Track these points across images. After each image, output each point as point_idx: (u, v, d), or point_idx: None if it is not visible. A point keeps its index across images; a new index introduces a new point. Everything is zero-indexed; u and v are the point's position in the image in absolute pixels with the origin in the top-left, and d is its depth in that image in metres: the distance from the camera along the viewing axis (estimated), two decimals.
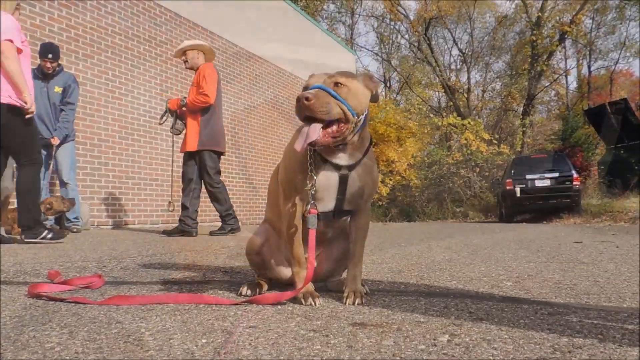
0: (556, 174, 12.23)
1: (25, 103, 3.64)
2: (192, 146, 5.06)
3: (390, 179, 22.70)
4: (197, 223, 5.17)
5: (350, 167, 1.42)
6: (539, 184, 12.33)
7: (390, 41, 28.48)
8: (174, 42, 8.30)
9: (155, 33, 7.95)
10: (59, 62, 5.45)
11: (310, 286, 1.44)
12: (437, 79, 25.19)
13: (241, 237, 4.81)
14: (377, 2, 26.35)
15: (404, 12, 24.39)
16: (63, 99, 5.39)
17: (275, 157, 11.01)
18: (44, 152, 5.15)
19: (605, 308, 1.35)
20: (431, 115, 23.74)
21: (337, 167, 1.41)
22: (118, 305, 1.38)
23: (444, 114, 24.55)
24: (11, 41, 3.53)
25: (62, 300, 1.45)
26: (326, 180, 1.41)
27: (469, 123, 20.97)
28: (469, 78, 26.15)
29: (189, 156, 5.15)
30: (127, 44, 7.39)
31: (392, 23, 25.94)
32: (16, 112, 3.63)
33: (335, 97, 1.32)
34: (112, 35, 7.15)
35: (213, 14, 9.32)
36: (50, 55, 5.28)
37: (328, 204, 1.44)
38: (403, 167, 22.53)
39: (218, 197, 5.18)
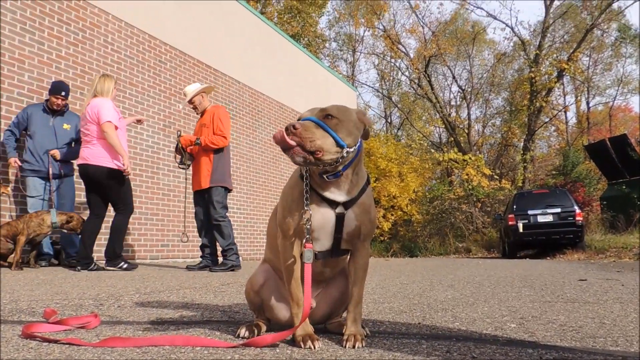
0: (558, 209, 12.19)
1: (123, 165, 4.93)
2: (205, 184, 5.24)
3: (392, 214, 22.64)
4: (238, 255, 5.35)
5: (347, 205, 1.41)
6: (541, 219, 12.27)
7: (391, 78, 28.94)
8: (177, 79, 8.44)
9: (160, 70, 8.09)
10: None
11: (309, 328, 1.41)
12: (438, 114, 25.44)
13: (239, 275, 4.76)
14: (378, 41, 26.92)
15: (404, 50, 24.89)
16: (75, 137, 5.64)
17: (276, 192, 11.01)
18: (42, 184, 5.28)
19: (613, 353, 1.31)
20: (432, 150, 23.86)
21: (333, 205, 1.40)
22: (113, 347, 1.35)
23: (445, 149, 24.68)
24: (110, 122, 4.83)
25: (56, 341, 1.42)
26: (322, 219, 1.40)
27: (469, 158, 21.06)
28: (469, 114, 26.43)
29: (199, 194, 5.27)
30: (132, 81, 7.51)
31: (393, 60, 26.42)
32: (117, 173, 4.94)
33: (323, 128, 1.32)
34: (118, 72, 7.27)
35: (216, 51, 9.50)
36: (63, 93, 5.54)
37: (325, 243, 1.43)
38: (404, 202, 22.50)
39: (222, 231, 5.24)
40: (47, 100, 5.58)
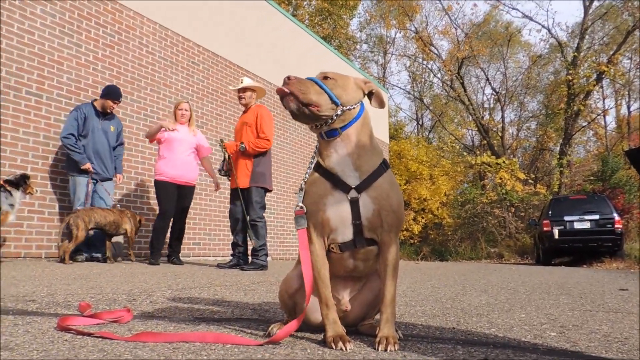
0: (597, 216, 11.78)
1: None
2: (244, 183, 5.31)
3: (422, 217, 22.37)
4: (267, 255, 5.43)
5: (360, 188, 1.38)
6: (578, 226, 11.89)
7: (423, 80, 28.64)
8: (210, 80, 8.54)
9: (193, 71, 8.21)
10: None
11: (340, 329, 1.38)
12: (471, 117, 25.02)
13: (269, 274, 4.76)
14: (410, 42, 26.69)
15: (436, 52, 24.59)
16: (118, 139, 5.96)
17: None
18: (86, 184, 5.46)
19: None
20: (464, 153, 23.46)
21: (344, 188, 1.37)
22: (145, 342, 1.35)
23: (478, 152, 24.24)
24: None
25: (89, 334, 1.43)
26: (336, 206, 1.37)
27: (503, 162, 20.61)
28: (503, 117, 25.88)
29: (237, 192, 5.30)
30: (165, 82, 7.64)
31: (425, 62, 26.15)
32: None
33: (319, 85, 1.39)
34: (152, 73, 7.41)
35: (248, 53, 9.58)
36: (120, 99, 5.89)
37: (345, 232, 1.39)
38: (435, 206, 22.20)
39: (258, 232, 5.28)
40: (93, 100, 5.81)
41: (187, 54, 8.14)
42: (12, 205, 4.29)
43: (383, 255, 1.42)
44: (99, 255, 5.63)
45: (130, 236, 5.68)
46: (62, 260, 4.96)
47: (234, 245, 5.45)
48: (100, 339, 1.38)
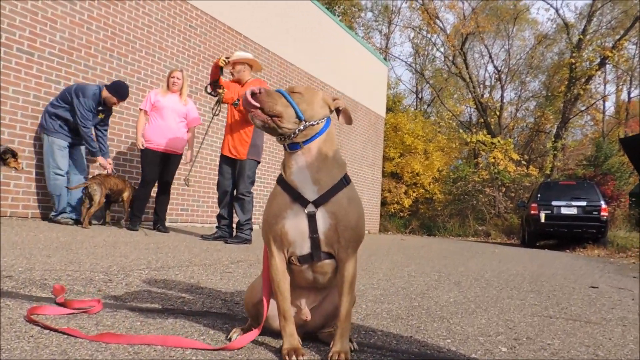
0: (584, 203, 11.94)
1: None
2: (242, 155, 5.24)
3: (414, 191, 22.54)
4: (252, 230, 5.47)
5: (317, 203, 1.42)
6: (565, 211, 12.06)
7: (426, 53, 28.27)
8: (207, 45, 8.42)
9: (190, 35, 8.08)
10: None
11: (296, 342, 1.43)
12: (470, 94, 24.85)
13: (251, 250, 4.84)
14: (415, 13, 26.20)
15: (441, 26, 24.18)
16: (103, 122, 5.84)
17: None
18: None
19: None
20: (460, 130, 23.44)
21: (303, 202, 1.42)
22: (107, 343, 1.40)
23: (474, 130, 24.20)
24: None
25: (55, 330, 1.48)
26: (294, 220, 1.42)
27: (498, 142, 20.64)
28: (502, 96, 25.73)
29: (228, 163, 5.28)
30: (161, 45, 7.53)
31: (429, 35, 25.75)
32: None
33: (286, 98, 1.42)
34: (148, 35, 7.29)
35: (247, 18, 9.41)
36: (126, 100, 5.94)
37: (303, 245, 1.44)
38: (427, 181, 22.34)
39: (244, 206, 5.32)
40: (102, 87, 5.69)
41: (185, 17, 7.99)
42: None
43: (340, 271, 1.47)
44: (78, 218, 5.67)
45: (126, 203, 5.83)
46: (80, 223, 5.35)
47: (220, 217, 5.50)
48: (64, 337, 1.43)
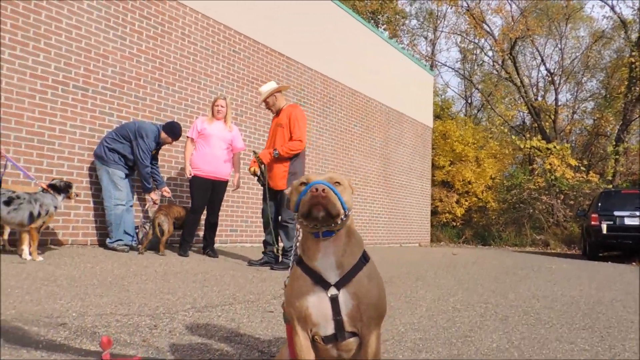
0: None
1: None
2: (282, 185, 5.40)
3: (466, 200, 22.02)
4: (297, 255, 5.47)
5: (339, 285, 1.43)
6: (628, 222, 11.38)
7: (473, 57, 27.65)
8: (251, 68, 8.61)
9: (234, 60, 8.29)
10: None
11: None
12: (522, 99, 24.04)
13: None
14: (461, 18, 25.71)
15: (488, 30, 23.58)
16: (154, 158, 6.14)
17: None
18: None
19: None
20: (513, 136, 22.70)
21: (325, 285, 1.42)
22: None
23: (528, 135, 23.37)
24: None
25: None
26: (317, 304, 1.43)
27: (554, 147, 19.81)
28: (556, 99, 24.69)
29: (271, 193, 5.42)
30: (206, 72, 7.77)
31: (476, 39, 25.17)
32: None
33: (335, 194, 1.42)
34: (193, 63, 7.55)
35: (289, 39, 9.55)
36: (178, 139, 6.26)
37: (327, 327, 1.45)
38: (480, 189, 21.78)
39: (289, 233, 5.41)
40: (160, 128, 6.02)
41: (228, 42, 8.21)
42: (55, 208, 4.55)
43: (363, 347, 1.48)
44: (134, 243, 5.92)
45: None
46: (135, 250, 5.78)
47: (265, 243, 5.60)
48: None
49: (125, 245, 5.77)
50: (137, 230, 6.12)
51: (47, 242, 5.62)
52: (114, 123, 6.35)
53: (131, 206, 6.00)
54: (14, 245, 4.89)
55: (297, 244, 1.53)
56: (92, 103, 6.19)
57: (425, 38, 28.40)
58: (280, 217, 5.44)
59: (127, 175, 5.90)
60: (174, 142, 6.37)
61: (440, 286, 5.00)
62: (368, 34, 12.28)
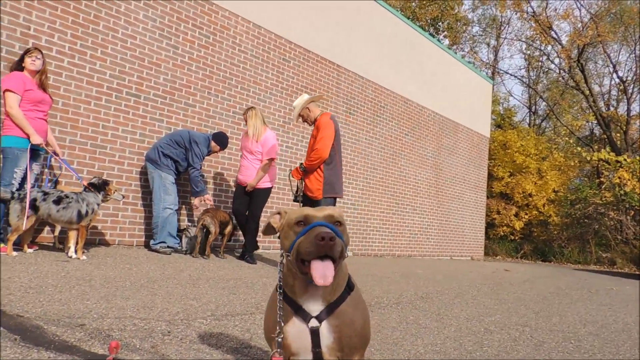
0: None
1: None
2: (318, 195, 5.46)
3: (526, 213, 21.08)
4: None
5: (321, 317, 1.36)
6: None
7: (539, 64, 26.50)
8: (300, 76, 8.67)
9: (283, 68, 8.38)
10: None
11: None
12: (590, 109, 22.75)
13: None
14: (525, 24, 24.71)
15: (555, 36, 22.51)
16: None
17: (394, 189, 10.87)
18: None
19: None
20: (579, 148, 21.51)
21: (305, 316, 1.36)
22: None
23: (596, 147, 22.08)
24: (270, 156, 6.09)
25: None
26: (296, 333, 1.37)
27: (624, 160, 18.56)
28: (628, 109, 23.16)
29: (309, 203, 5.53)
30: (255, 80, 7.90)
31: (542, 46, 24.11)
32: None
33: (340, 238, 1.33)
34: (243, 71, 7.69)
35: (339, 46, 9.54)
36: (225, 148, 6.52)
37: (306, 356, 1.40)
38: (541, 202, 20.78)
39: None
40: (211, 137, 6.25)
41: (278, 51, 8.31)
42: (97, 205, 4.77)
43: None
44: (177, 246, 6.08)
45: (227, 236, 6.41)
46: (177, 252, 5.99)
47: None
48: None
49: (169, 247, 5.94)
50: (180, 234, 6.29)
51: (96, 241, 5.89)
52: (164, 129, 6.59)
53: (177, 210, 6.18)
54: (62, 242, 5.16)
55: (280, 274, 1.46)
56: (144, 109, 6.44)
57: (488, 45, 27.57)
58: None
59: (175, 180, 6.10)
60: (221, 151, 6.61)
61: (478, 305, 4.78)
62: (422, 41, 12.06)
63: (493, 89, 18.49)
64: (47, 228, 5.53)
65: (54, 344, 2.20)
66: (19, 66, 4.79)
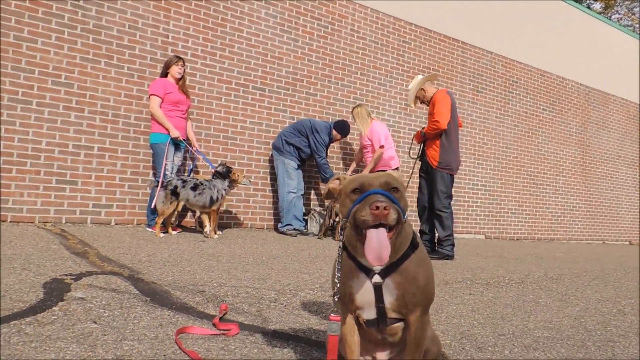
0: None
1: None
2: (433, 162, 5.36)
3: None
4: (453, 245, 5.36)
5: (385, 273, 1.37)
6: None
7: None
8: (422, 57, 8.49)
9: (404, 50, 8.28)
10: None
11: None
12: None
13: (446, 266, 4.69)
14: None
15: None
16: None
17: (530, 168, 10.11)
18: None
19: None
20: None
21: (368, 272, 1.38)
22: None
23: None
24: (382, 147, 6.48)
25: (185, 352, 1.80)
26: (360, 288, 1.40)
27: None
28: None
29: (425, 179, 5.47)
30: (375, 64, 7.92)
31: None
32: None
33: (395, 204, 1.32)
34: (362, 57, 7.77)
35: (463, 23, 9.11)
36: (347, 136, 6.84)
37: (369, 312, 1.43)
38: None
39: (443, 222, 5.28)
40: (332, 126, 6.57)
41: (398, 33, 8.23)
42: (225, 191, 5.24)
43: (408, 332, 1.43)
44: (303, 228, 6.41)
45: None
46: (303, 234, 6.39)
47: (421, 232, 5.53)
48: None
49: (295, 229, 6.30)
50: (306, 217, 6.62)
51: (231, 224, 6.47)
52: (287, 119, 6.96)
53: (302, 194, 6.50)
54: (201, 225, 5.77)
55: (342, 231, 1.50)
56: (269, 101, 6.88)
57: None
58: (434, 206, 5.31)
59: (299, 166, 6.43)
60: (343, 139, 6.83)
61: (620, 287, 4.28)
62: (557, 5, 10.96)
63: None
64: (189, 213, 6.22)
65: (176, 305, 2.52)
66: (164, 73, 5.49)
